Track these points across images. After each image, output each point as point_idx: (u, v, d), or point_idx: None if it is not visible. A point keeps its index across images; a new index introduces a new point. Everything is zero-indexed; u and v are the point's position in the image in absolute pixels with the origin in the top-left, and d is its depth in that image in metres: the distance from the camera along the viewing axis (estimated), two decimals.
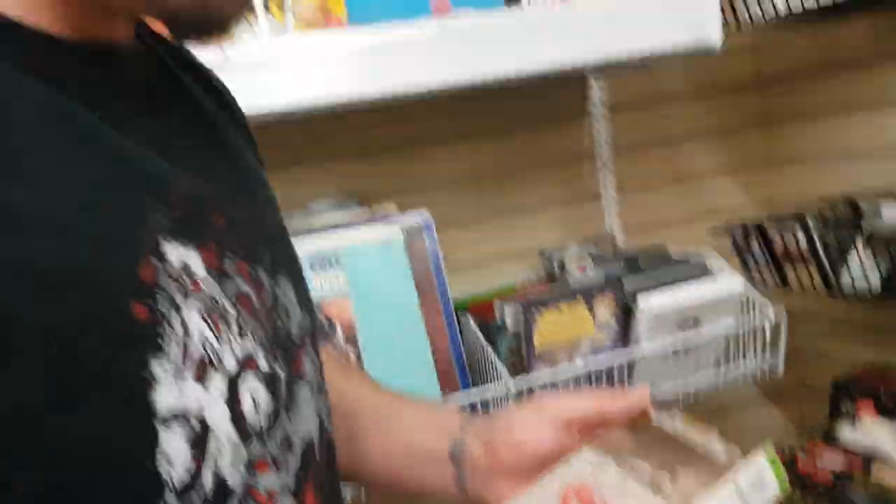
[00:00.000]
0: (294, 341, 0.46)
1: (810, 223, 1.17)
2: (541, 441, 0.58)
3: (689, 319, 1.05)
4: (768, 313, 1.09)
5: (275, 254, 0.48)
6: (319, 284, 1.03)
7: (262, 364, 0.41)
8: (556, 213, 1.43)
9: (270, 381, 0.41)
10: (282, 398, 0.42)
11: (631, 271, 1.19)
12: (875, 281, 1.10)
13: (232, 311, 0.40)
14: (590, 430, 0.59)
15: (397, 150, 1.32)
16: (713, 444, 0.52)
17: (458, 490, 0.62)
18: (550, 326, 1.01)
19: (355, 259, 1.05)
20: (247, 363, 0.40)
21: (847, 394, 1.29)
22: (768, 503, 0.49)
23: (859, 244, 1.12)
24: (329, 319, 1.03)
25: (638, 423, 0.57)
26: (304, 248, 1.02)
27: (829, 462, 1.13)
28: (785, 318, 1.11)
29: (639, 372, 1.06)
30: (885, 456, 1.11)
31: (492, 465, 0.60)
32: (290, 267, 0.50)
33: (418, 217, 1.09)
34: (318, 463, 0.46)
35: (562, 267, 1.34)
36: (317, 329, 0.51)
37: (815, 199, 1.26)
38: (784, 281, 1.23)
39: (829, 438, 1.20)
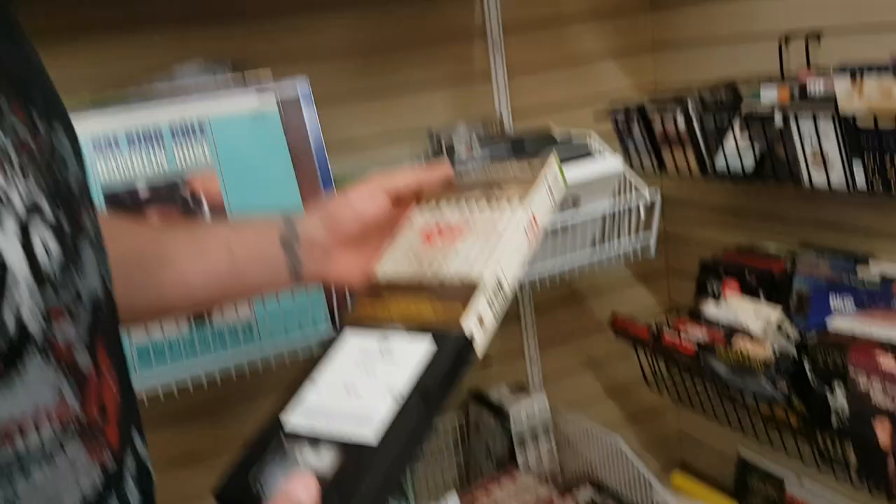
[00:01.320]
0: (73, 194, 0.43)
1: (690, 106, 1.18)
2: (379, 208, 0.65)
3: (567, 199, 1.06)
4: (644, 194, 1.11)
5: (47, 97, 0.44)
6: (182, 155, 0.97)
7: (48, 214, 0.38)
8: (445, 93, 1.39)
9: (58, 232, 0.39)
10: (70, 251, 0.40)
11: (516, 152, 1.18)
12: (749, 162, 1.12)
13: (13, 153, 0.37)
14: (409, 201, 0.67)
15: (277, 15, 1.23)
16: (514, 166, 0.67)
17: (291, 278, 0.66)
18: None
19: (224, 129, 0.99)
20: (35, 208, 0.37)
21: (714, 273, 1.35)
22: (561, 193, 0.67)
23: (736, 126, 1.14)
24: (193, 194, 0.98)
25: (449, 186, 0.68)
26: (166, 114, 0.95)
27: (694, 335, 1.19)
28: (659, 199, 1.14)
29: None
30: (745, 329, 1.17)
31: (334, 239, 0.66)
32: (62, 114, 0.47)
33: (296, 86, 1.03)
34: (105, 320, 0.46)
35: (450, 148, 1.31)
36: (89, 185, 0.48)
37: (699, 84, 1.28)
38: (661, 165, 1.25)
39: (695, 315, 1.26)
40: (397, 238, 0.66)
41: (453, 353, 0.52)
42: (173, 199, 0.97)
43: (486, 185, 0.66)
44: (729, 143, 1.16)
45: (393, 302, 0.59)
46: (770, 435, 1.25)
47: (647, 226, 1.14)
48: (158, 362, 0.95)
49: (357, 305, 0.61)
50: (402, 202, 0.68)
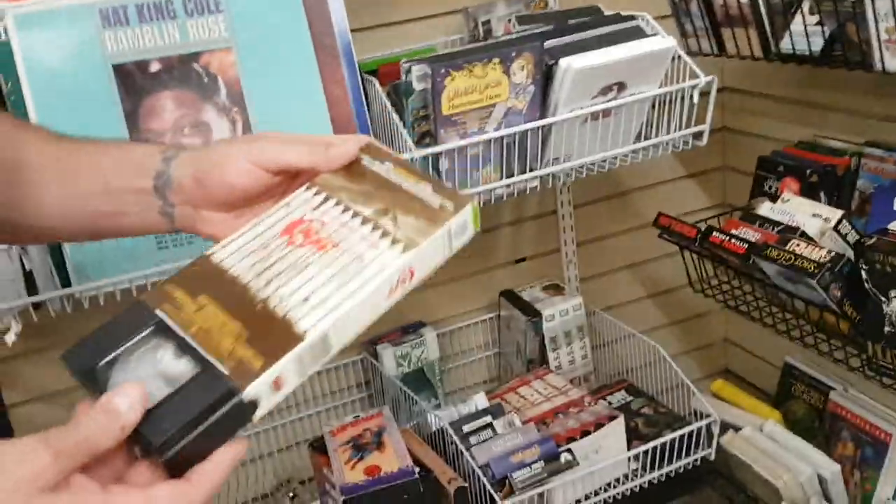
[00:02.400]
0: None
1: None
2: (251, 184, 0.58)
3: (613, 85, 0.96)
4: (699, 78, 1.01)
5: None
6: (195, 29, 0.90)
7: None
8: None
9: None
10: None
11: (558, 31, 1.08)
12: (817, 44, 1.01)
13: None
14: (302, 178, 0.59)
15: None
16: (426, 192, 0.55)
17: (165, 221, 0.60)
18: (461, 90, 0.91)
19: (239, 3, 0.91)
20: None
21: (772, 170, 1.25)
22: (465, 243, 0.56)
23: (805, 5, 1.02)
24: (208, 71, 0.91)
25: (353, 169, 0.58)
26: None
27: (745, 235, 1.11)
28: (716, 84, 1.03)
29: (555, 140, 0.98)
30: (801, 230, 1.09)
31: (201, 198, 0.59)
32: None
33: None
34: None
35: (487, 29, 1.21)
36: None
37: None
38: (721, 47, 1.13)
39: (749, 215, 1.17)
40: (259, 218, 0.56)
41: (215, 411, 0.44)
42: (186, 75, 0.90)
43: (385, 201, 0.55)
44: (796, 23, 1.04)
45: (203, 306, 0.49)
46: (817, 341, 1.18)
47: (701, 113, 1.04)
48: None
49: (170, 288, 0.51)
50: (291, 176, 0.59)
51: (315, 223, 0.54)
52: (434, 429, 1.24)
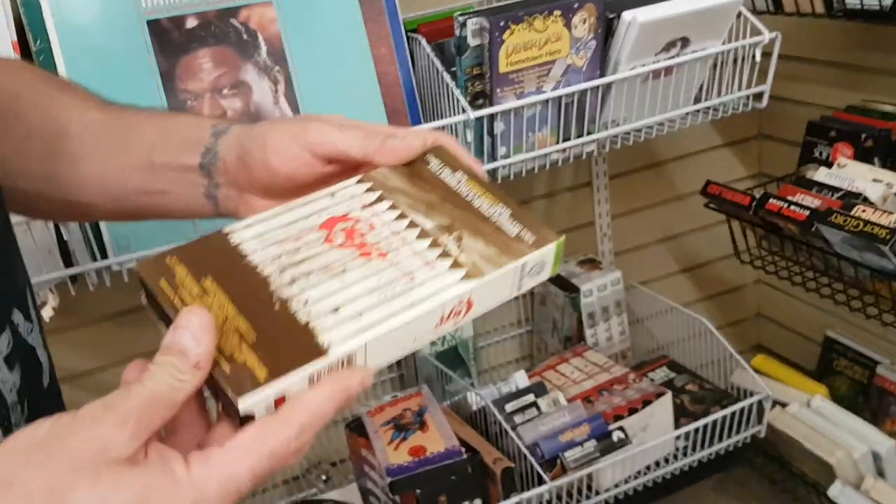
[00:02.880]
0: None
1: None
2: (297, 170, 0.49)
3: (677, 40, 0.91)
4: (763, 35, 0.95)
5: None
6: None
7: None
8: None
9: None
10: None
11: None
12: None
13: None
14: (355, 169, 0.50)
15: None
16: (503, 216, 0.46)
17: (209, 204, 0.54)
18: (520, 45, 0.85)
19: None
20: None
21: (823, 136, 1.20)
22: (540, 281, 0.46)
23: None
24: (247, 27, 0.85)
25: (417, 173, 0.48)
26: None
27: (804, 201, 1.06)
28: (779, 42, 0.98)
29: (614, 100, 0.92)
30: (864, 196, 1.04)
31: (245, 181, 0.52)
32: None
33: None
34: None
35: None
36: None
37: None
38: (777, 4, 1.08)
39: (802, 182, 1.12)
40: (295, 202, 0.47)
41: None
42: (224, 31, 0.84)
43: (450, 216, 0.45)
44: None
45: (208, 292, 0.40)
46: (868, 314, 1.14)
47: (763, 71, 0.99)
48: None
49: (172, 261, 0.42)
50: (347, 168, 0.51)
51: (362, 224, 0.44)
52: (475, 408, 1.19)
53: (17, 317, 0.47)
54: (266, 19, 0.85)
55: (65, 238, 0.77)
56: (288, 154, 0.49)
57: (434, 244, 0.43)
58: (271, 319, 0.38)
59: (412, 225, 0.44)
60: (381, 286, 0.41)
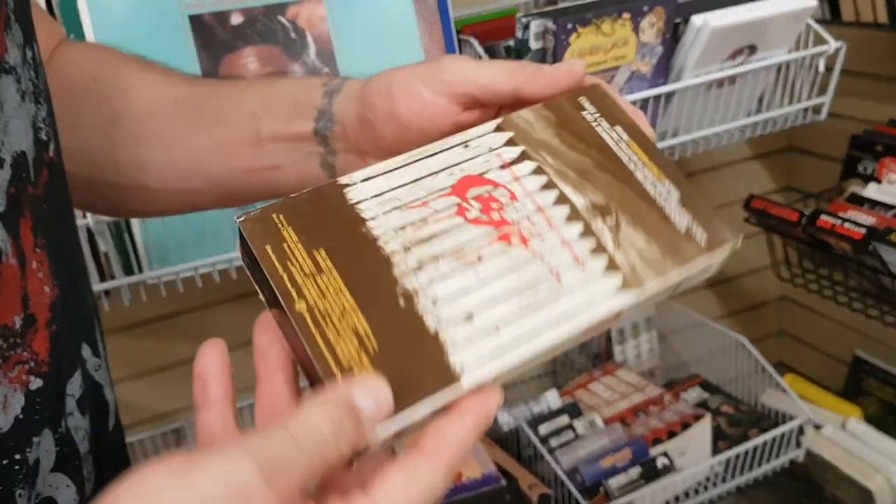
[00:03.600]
0: None
1: None
2: (431, 121, 0.41)
3: (745, 48, 0.86)
4: (828, 44, 0.91)
5: None
6: None
7: None
8: None
9: None
10: None
11: None
12: None
13: None
14: (498, 112, 0.42)
15: None
16: (671, 197, 0.37)
17: (325, 174, 0.46)
18: (586, 49, 0.80)
19: None
20: None
21: (868, 150, 1.17)
22: (693, 283, 0.38)
23: None
24: (295, 25, 0.79)
25: (569, 123, 0.38)
26: None
27: (858, 219, 1.02)
28: (844, 51, 0.94)
29: (676, 109, 0.88)
30: None
31: (368, 143, 0.44)
32: None
33: None
34: (32, 183, 0.36)
35: None
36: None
37: None
38: (835, 13, 1.04)
39: (855, 197, 1.08)
40: (421, 151, 0.37)
41: None
42: (271, 29, 0.78)
43: (607, 191, 0.37)
44: None
45: (322, 270, 0.32)
46: None
47: (825, 82, 0.95)
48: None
49: (279, 219, 0.34)
50: (484, 106, 0.42)
51: (500, 192, 0.36)
52: (506, 429, 1.14)
53: (86, 352, 0.41)
54: (315, 17, 0.79)
55: (102, 249, 0.71)
56: (420, 101, 0.40)
57: (586, 232, 0.35)
58: (395, 321, 0.32)
59: (561, 199, 0.36)
60: (522, 288, 0.34)
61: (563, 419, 1.13)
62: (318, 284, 0.32)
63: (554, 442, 1.10)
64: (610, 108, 0.39)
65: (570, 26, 0.78)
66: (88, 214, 0.68)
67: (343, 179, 0.35)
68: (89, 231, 0.69)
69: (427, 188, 0.35)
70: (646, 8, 0.80)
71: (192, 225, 0.72)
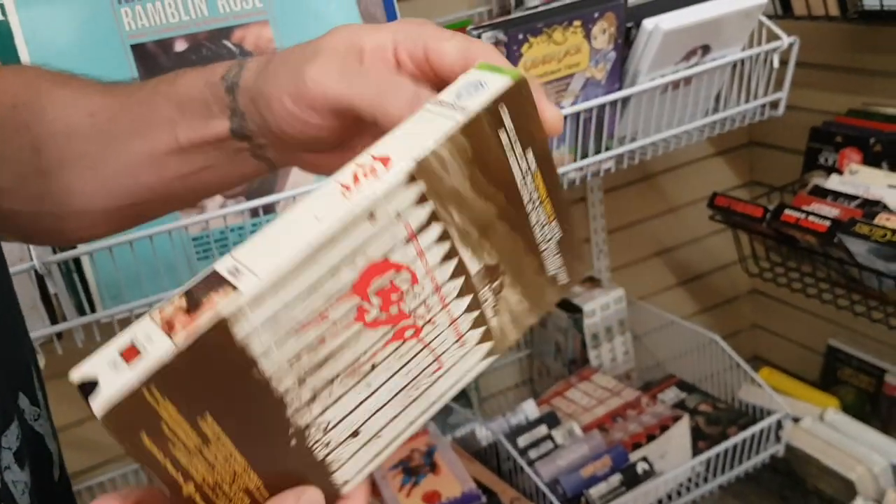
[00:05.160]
0: None
1: None
2: (316, 137, 0.38)
3: (698, 48, 0.86)
4: (781, 40, 0.91)
5: None
6: (225, 3, 0.76)
7: None
8: None
9: None
10: None
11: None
12: None
13: None
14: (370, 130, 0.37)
15: None
16: (552, 240, 0.36)
17: (264, 164, 0.43)
18: (538, 59, 0.79)
19: None
20: None
21: (828, 142, 1.17)
22: (491, 96, 0.32)
23: None
24: (242, 49, 0.77)
25: (485, 145, 0.33)
26: None
27: (822, 211, 1.02)
28: (797, 47, 0.94)
29: (632, 114, 0.87)
30: (883, 203, 1.00)
31: (285, 139, 0.39)
32: None
33: None
34: None
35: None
36: None
37: None
38: (786, 7, 1.04)
39: (818, 189, 1.08)
40: (326, 229, 0.30)
41: None
42: (217, 54, 0.76)
43: (501, 247, 0.34)
44: None
45: (209, 440, 0.29)
46: (873, 318, 1.11)
47: (780, 77, 0.95)
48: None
49: (153, 397, 0.28)
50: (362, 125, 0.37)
51: (402, 277, 0.32)
52: (484, 443, 1.12)
53: (24, 402, 0.39)
54: (263, 39, 0.78)
55: (52, 291, 0.68)
56: (296, 121, 0.37)
57: (472, 305, 0.34)
58: (287, 464, 0.31)
59: (458, 271, 0.33)
60: (408, 383, 0.33)
61: (542, 429, 1.12)
62: (205, 458, 0.29)
63: (533, 454, 1.09)
64: (528, 120, 0.33)
65: (521, 37, 0.77)
66: (34, 256, 0.65)
67: (223, 311, 0.28)
68: (37, 273, 0.67)
69: (326, 294, 0.30)
70: (596, 14, 0.79)
71: (143, 259, 0.70)
